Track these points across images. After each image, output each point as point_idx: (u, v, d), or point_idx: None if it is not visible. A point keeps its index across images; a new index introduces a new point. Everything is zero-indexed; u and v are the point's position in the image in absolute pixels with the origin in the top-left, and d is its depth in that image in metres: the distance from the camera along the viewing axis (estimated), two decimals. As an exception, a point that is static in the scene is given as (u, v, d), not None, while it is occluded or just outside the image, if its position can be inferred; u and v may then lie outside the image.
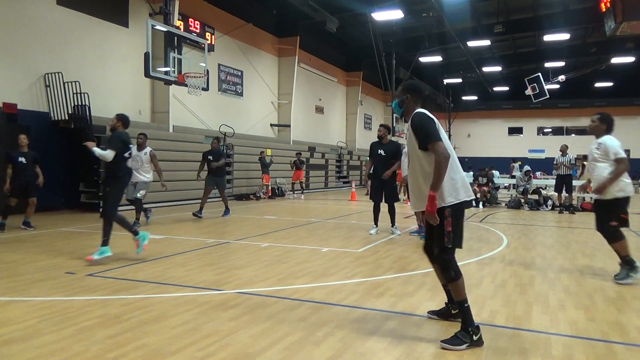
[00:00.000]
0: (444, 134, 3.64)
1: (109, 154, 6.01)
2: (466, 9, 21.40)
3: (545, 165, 33.33)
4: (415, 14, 21.38)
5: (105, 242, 6.07)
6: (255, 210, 13.61)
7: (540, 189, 15.68)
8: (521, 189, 15.23)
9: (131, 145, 6.46)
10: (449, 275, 3.59)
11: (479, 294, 4.86)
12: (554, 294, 4.92)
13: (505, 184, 18.26)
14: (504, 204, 15.62)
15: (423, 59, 27.20)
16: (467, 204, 3.67)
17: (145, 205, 10.00)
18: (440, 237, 3.59)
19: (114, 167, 6.22)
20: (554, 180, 14.52)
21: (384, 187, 8.79)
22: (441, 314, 4.07)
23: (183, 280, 5.27)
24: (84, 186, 12.75)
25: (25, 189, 9.02)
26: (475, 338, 3.44)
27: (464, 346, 3.41)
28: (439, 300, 4.63)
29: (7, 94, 11.47)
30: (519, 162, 28.76)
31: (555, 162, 13.92)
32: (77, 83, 12.52)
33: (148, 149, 9.55)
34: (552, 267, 6.31)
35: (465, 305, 3.52)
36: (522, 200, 15.06)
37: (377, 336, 3.65)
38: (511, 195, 16.04)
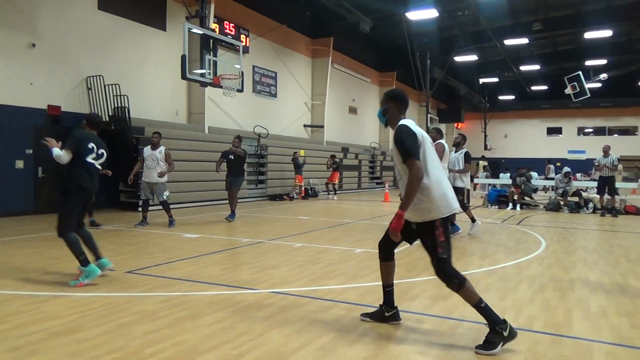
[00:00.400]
0: (429, 148, 3.61)
1: (63, 156, 5.08)
2: (503, 6, 20.96)
3: (586, 167, 32.31)
4: (450, 13, 21.08)
5: (83, 262, 5.02)
6: (288, 211, 13.69)
7: (581, 191, 15.19)
8: (560, 191, 14.80)
9: (92, 146, 5.29)
10: (454, 285, 3.52)
11: (516, 298, 4.75)
12: (596, 300, 4.76)
13: (541, 186, 17.76)
14: (542, 206, 15.21)
15: (458, 59, 26.80)
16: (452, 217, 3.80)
17: (172, 206, 10.29)
18: (434, 248, 3.56)
19: (71, 174, 5.16)
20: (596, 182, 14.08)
21: None
22: (374, 317, 4.01)
23: (218, 279, 5.35)
24: (124, 186, 13.10)
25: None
26: (505, 334, 3.37)
27: (498, 348, 3.34)
28: (475, 303, 4.55)
29: (52, 97, 11.92)
30: (558, 163, 27.98)
31: (596, 164, 13.50)
32: (117, 86, 12.90)
33: (162, 148, 9.73)
34: (594, 271, 6.11)
35: (482, 305, 3.44)
36: (562, 203, 14.63)
37: (411, 339, 3.62)
38: (550, 197, 15.60)
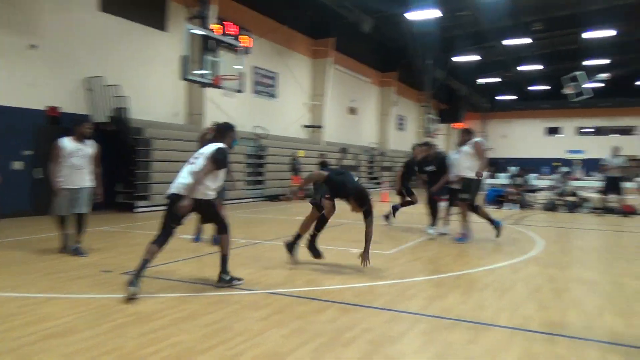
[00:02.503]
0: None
1: None
2: (504, 7, 20.93)
3: (584, 167, 32.33)
4: (451, 13, 21.06)
5: None
6: (286, 212, 13.70)
7: (578, 191, 15.19)
8: (559, 191, 14.81)
9: None
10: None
11: (512, 298, 4.76)
12: (591, 300, 4.77)
13: (542, 186, 17.75)
14: (539, 206, 15.21)
15: (459, 59, 26.81)
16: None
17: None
18: None
19: None
20: (592, 182, 14.07)
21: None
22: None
23: (215, 280, 5.36)
24: (121, 187, 13.11)
25: None
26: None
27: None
28: (472, 302, 4.57)
29: (52, 98, 11.92)
30: (558, 163, 27.96)
31: (603, 164, 13.42)
32: (117, 87, 12.91)
33: (93, 142, 6.89)
34: (590, 271, 6.12)
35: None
36: (559, 203, 14.64)
37: (408, 339, 3.63)
38: (547, 197, 15.61)
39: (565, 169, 15.66)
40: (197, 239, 7.80)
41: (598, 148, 38.51)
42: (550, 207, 14.59)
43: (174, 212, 4.72)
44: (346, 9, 18.56)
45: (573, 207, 14.32)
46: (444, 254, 7.17)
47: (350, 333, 3.72)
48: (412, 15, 19.20)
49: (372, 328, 3.84)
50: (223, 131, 5.28)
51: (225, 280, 5.05)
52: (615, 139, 38.61)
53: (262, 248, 7.51)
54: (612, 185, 13.25)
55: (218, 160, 4.85)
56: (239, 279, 5.13)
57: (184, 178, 4.86)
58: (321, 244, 7.86)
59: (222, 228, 5.14)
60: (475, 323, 4.01)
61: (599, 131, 39.64)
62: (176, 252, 6.86)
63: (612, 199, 13.44)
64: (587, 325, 3.99)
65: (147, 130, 13.38)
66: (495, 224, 8.24)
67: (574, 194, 14.76)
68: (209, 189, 4.93)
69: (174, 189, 4.85)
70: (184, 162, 5.13)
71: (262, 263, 6.30)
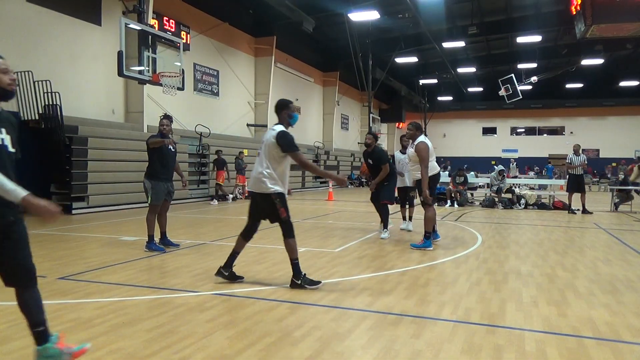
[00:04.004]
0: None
1: None
2: (441, 10, 21.65)
3: (518, 165, 33.99)
4: (391, 15, 21.52)
5: None
6: (231, 211, 13.51)
7: (514, 188, 15.95)
8: (495, 188, 15.48)
9: None
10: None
11: (454, 292, 4.92)
12: (527, 291, 5.01)
13: (481, 183, 18.49)
14: (478, 203, 15.86)
15: (399, 60, 27.41)
16: None
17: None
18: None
19: None
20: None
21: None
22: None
23: (158, 283, 5.20)
24: (55, 187, 12.46)
25: None
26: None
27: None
28: (416, 298, 4.68)
29: (-25, 93, 11.14)
30: (493, 162, 29.22)
31: (569, 162, 13.60)
32: (47, 82, 12.23)
33: None
34: (525, 264, 6.43)
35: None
36: (496, 199, 15.31)
37: (355, 335, 3.67)
38: (485, 194, 16.29)
39: (500, 167, 16.36)
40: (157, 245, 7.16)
41: (530, 147, 40.75)
42: (489, 203, 15.24)
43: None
44: (287, 8, 18.53)
45: (510, 204, 15.02)
46: (388, 251, 7.31)
47: (298, 332, 3.71)
48: (354, 16, 19.45)
49: (320, 326, 3.85)
50: (277, 110, 5.16)
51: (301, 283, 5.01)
52: (545, 139, 41.05)
53: (207, 249, 7.36)
54: (576, 184, 13.50)
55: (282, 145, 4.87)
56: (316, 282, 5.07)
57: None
58: (267, 243, 7.82)
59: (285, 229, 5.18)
60: (419, 317, 4.11)
61: (532, 131, 41.84)
62: (115, 255, 6.60)
63: (568, 197, 13.78)
64: (524, 316, 4.18)
65: (81, 128, 12.79)
66: (409, 220, 9.31)
67: (511, 191, 15.47)
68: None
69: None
70: (123, 161, 4.94)
71: (207, 264, 6.17)
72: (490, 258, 6.81)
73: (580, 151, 13.78)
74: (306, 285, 4.96)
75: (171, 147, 7.18)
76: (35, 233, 8.72)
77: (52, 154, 12.33)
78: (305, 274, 5.05)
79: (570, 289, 5.12)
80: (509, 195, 15.35)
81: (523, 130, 42.33)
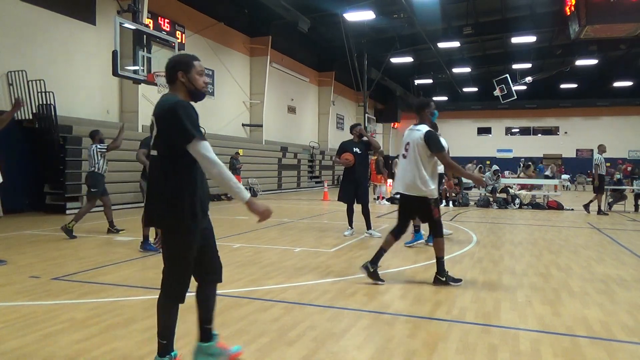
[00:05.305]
0: None
1: None
2: (436, 10, 21.68)
3: (512, 165, 34.11)
4: (387, 15, 21.54)
5: None
6: (227, 211, 13.49)
7: (509, 188, 16.01)
8: (490, 188, 15.53)
9: None
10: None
11: (449, 291, 4.93)
12: (522, 290, 5.03)
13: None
14: (473, 203, 15.90)
15: (394, 60, 27.44)
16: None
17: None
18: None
19: None
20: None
21: (357, 188, 8.57)
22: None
23: (154, 283, 5.17)
24: (49, 187, 12.40)
25: None
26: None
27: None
28: (411, 297, 4.69)
29: (-32, 93, 11.09)
30: (487, 162, 29.32)
31: (598, 163, 13.21)
32: (41, 81, 12.18)
33: None
34: (520, 263, 6.46)
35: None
36: (491, 199, 15.36)
37: (350, 335, 3.67)
38: (480, 194, 16.34)
39: (495, 167, 16.42)
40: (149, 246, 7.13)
41: (525, 147, 40.89)
42: (483, 203, 15.29)
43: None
44: (283, 8, 18.52)
45: (504, 204, 15.07)
46: (384, 250, 7.31)
47: (294, 332, 3.71)
48: (349, 16, 19.47)
49: (315, 326, 3.85)
50: (418, 110, 5.17)
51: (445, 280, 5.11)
52: (540, 139, 41.19)
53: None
54: (603, 184, 13.28)
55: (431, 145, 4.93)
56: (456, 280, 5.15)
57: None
58: (262, 243, 7.83)
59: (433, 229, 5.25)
60: (414, 317, 4.12)
61: (526, 131, 41.99)
62: (110, 255, 6.59)
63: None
64: (518, 315, 4.20)
65: (75, 128, 12.73)
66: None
67: (505, 191, 15.53)
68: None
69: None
70: (118, 161, 4.93)
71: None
72: (484, 257, 6.83)
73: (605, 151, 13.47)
74: (451, 282, 5.09)
75: None
76: (29, 234, 8.69)
77: (46, 154, 12.27)
78: (448, 272, 5.17)
79: (565, 288, 5.14)
80: (504, 195, 15.40)
81: (518, 130, 42.46)
